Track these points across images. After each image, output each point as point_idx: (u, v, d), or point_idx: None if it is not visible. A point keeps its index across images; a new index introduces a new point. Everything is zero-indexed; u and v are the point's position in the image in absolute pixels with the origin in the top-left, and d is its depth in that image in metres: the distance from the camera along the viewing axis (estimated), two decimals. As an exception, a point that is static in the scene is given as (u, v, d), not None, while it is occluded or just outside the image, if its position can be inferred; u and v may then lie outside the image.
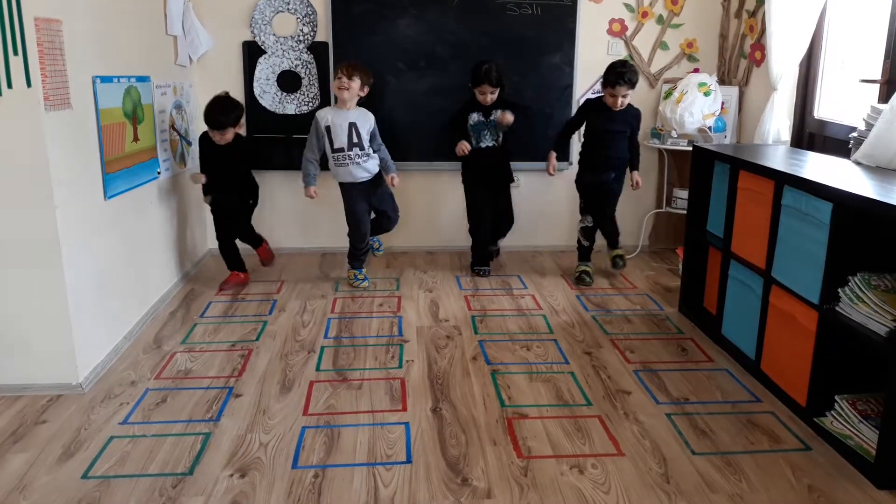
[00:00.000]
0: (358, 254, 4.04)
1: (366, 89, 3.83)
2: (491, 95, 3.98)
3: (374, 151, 3.92)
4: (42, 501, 2.10)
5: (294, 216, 4.61)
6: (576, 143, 4.68)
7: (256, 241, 4.21)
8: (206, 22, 4.30)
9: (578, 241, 4.22)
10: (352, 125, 3.80)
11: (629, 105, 3.95)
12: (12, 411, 2.61)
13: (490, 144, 4.09)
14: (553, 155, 4.16)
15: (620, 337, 3.36)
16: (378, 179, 3.98)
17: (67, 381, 2.75)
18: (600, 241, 4.27)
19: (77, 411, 2.62)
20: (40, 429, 2.50)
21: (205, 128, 3.80)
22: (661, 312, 3.70)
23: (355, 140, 3.81)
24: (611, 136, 4.00)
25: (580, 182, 4.16)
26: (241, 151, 3.87)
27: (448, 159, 4.21)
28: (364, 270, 4.10)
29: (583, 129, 4.11)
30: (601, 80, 3.97)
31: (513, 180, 4.28)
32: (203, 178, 3.87)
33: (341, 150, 3.81)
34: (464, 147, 4.01)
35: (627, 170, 4.12)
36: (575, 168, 4.68)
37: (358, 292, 3.96)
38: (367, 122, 3.87)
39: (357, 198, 3.93)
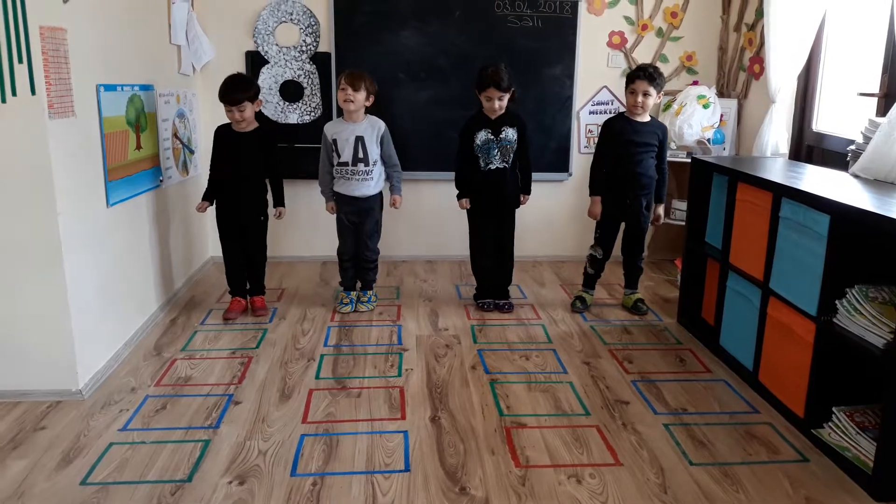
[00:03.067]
0: (342, 265, 3.84)
1: (371, 99, 3.61)
2: (499, 102, 3.53)
3: (387, 166, 3.71)
4: (41, 507, 2.10)
5: (295, 224, 4.62)
6: (576, 156, 4.72)
7: (261, 286, 3.81)
8: (209, 31, 4.33)
9: (585, 269, 3.91)
10: (359, 139, 3.61)
11: (652, 118, 3.65)
12: (11, 417, 2.62)
13: (499, 166, 3.63)
14: (598, 200, 3.68)
15: (619, 347, 3.37)
16: (373, 206, 3.73)
17: (67, 388, 2.76)
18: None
19: (76, 418, 2.63)
20: (39, 435, 2.50)
21: (218, 123, 3.62)
22: (659, 323, 3.71)
23: (360, 155, 3.61)
24: (636, 149, 3.56)
25: (601, 208, 3.72)
26: (268, 139, 3.61)
27: (447, 168, 4.22)
28: (352, 294, 3.84)
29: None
30: (624, 87, 3.64)
31: (518, 205, 3.78)
32: (206, 207, 3.65)
33: (345, 164, 3.62)
34: (464, 204, 3.73)
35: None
36: (576, 178, 4.73)
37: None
38: (374, 132, 3.63)
39: (344, 210, 3.71)
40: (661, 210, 3.76)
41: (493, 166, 3.64)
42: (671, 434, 2.57)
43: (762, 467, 2.37)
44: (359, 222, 3.74)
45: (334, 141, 3.62)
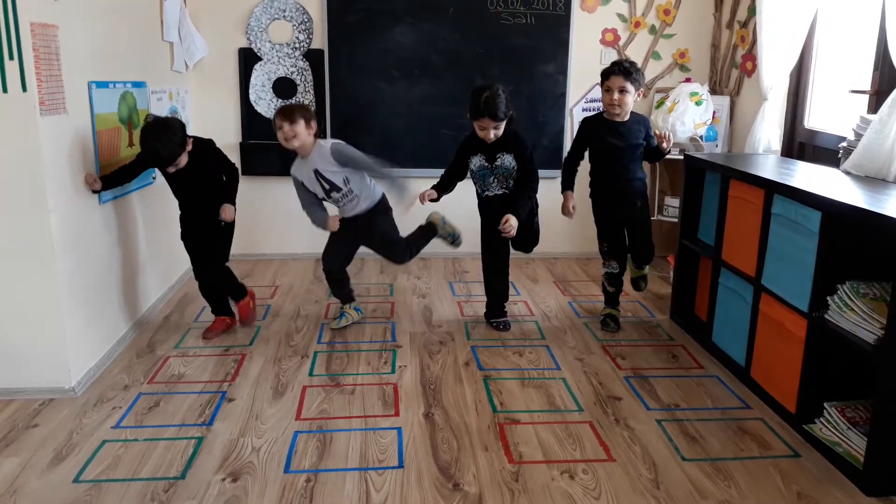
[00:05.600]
0: (327, 278, 3.55)
1: (313, 125, 3.23)
2: (494, 131, 3.21)
3: (368, 172, 3.34)
4: (33, 505, 2.10)
5: (288, 222, 4.62)
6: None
7: (238, 290, 3.48)
8: (202, 28, 4.32)
9: (603, 286, 3.63)
10: (316, 173, 3.27)
11: (632, 113, 3.35)
12: (4, 415, 2.61)
13: (498, 193, 3.37)
14: (569, 195, 3.46)
15: (612, 343, 3.37)
16: (374, 220, 3.42)
17: (60, 385, 2.75)
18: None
19: (69, 415, 2.62)
20: (32, 433, 2.50)
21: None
22: (652, 319, 3.72)
23: (327, 186, 3.30)
24: (621, 154, 3.32)
25: (598, 219, 3.50)
26: (209, 159, 3.22)
27: (441, 166, 4.19)
28: (347, 307, 3.54)
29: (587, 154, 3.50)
30: (597, 86, 3.43)
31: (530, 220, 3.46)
32: (98, 184, 2.98)
33: (324, 199, 3.39)
34: (426, 195, 3.37)
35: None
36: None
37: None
38: (326, 158, 3.24)
39: (343, 224, 3.41)
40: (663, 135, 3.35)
41: (490, 193, 3.39)
42: (664, 430, 2.58)
43: (754, 462, 2.38)
44: (365, 235, 3.44)
45: (301, 184, 3.36)
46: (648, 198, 3.60)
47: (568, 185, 3.48)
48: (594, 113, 3.50)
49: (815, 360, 2.53)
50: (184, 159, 3.08)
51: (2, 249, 2.62)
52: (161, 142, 2.97)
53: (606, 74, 3.28)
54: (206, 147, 3.22)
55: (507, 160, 3.30)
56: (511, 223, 3.22)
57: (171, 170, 3.10)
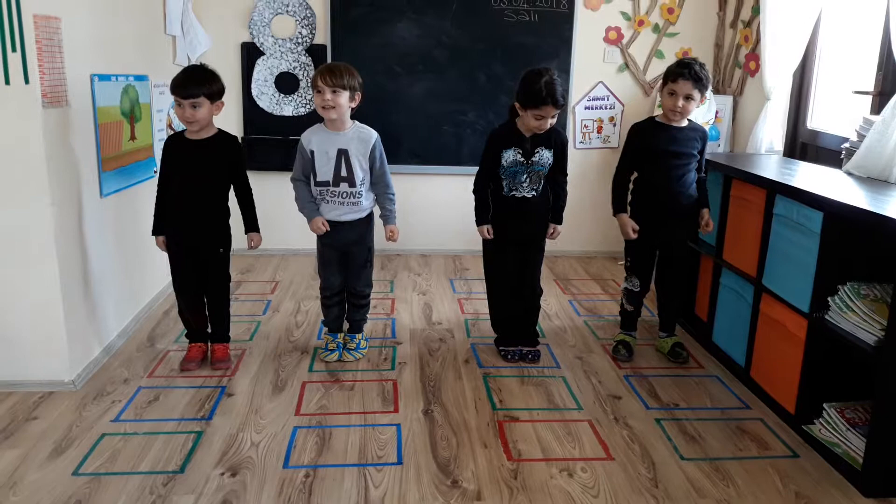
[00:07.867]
0: (325, 302, 3.11)
1: (357, 97, 2.85)
2: (551, 120, 2.84)
3: (376, 187, 2.97)
4: (32, 498, 2.10)
5: (288, 217, 4.58)
6: (572, 151, 4.72)
7: (225, 330, 3.06)
8: (204, 22, 4.31)
9: (621, 305, 3.28)
10: (342, 154, 2.86)
11: (690, 121, 3.01)
12: (3, 407, 2.61)
13: (526, 195, 2.96)
14: (624, 217, 3.03)
15: (612, 343, 3.37)
16: (363, 233, 3.00)
17: (60, 378, 2.75)
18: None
19: (69, 408, 2.62)
20: (31, 425, 2.50)
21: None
22: (652, 318, 3.71)
23: (343, 174, 2.87)
24: (674, 161, 2.94)
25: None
26: (231, 148, 2.87)
27: (442, 162, 4.21)
28: (339, 338, 3.13)
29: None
30: (661, 85, 3.01)
31: (545, 237, 3.12)
32: (164, 242, 2.91)
33: (325, 183, 2.89)
34: (485, 232, 3.03)
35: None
36: (571, 174, 4.72)
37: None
38: (363, 147, 2.88)
39: (327, 239, 2.98)
40: (707, 214, 3.06)
41: (518, 194, 2.96)
42: (663, 429, 2.58)
43: (753, 462, 2.38)
44: (346, 251, 3.02)
45: (312, 154, 2.88)
46: (697, 223, 3.11)
47: (621, 206, 3.06)
48: (644, 118, 3.13)
49: (815, 361, 2.53)
50: (204, 113, 2.73)
51: (2, 241, 2.62)
52: (202, 69, 2.79)
53: (674, 76, 2.86)
54: (230, 139, 2.89)
55: (546, 156, 2.93)
56: (557, 234, 3.09)
57: (189, 115, 2.71)
